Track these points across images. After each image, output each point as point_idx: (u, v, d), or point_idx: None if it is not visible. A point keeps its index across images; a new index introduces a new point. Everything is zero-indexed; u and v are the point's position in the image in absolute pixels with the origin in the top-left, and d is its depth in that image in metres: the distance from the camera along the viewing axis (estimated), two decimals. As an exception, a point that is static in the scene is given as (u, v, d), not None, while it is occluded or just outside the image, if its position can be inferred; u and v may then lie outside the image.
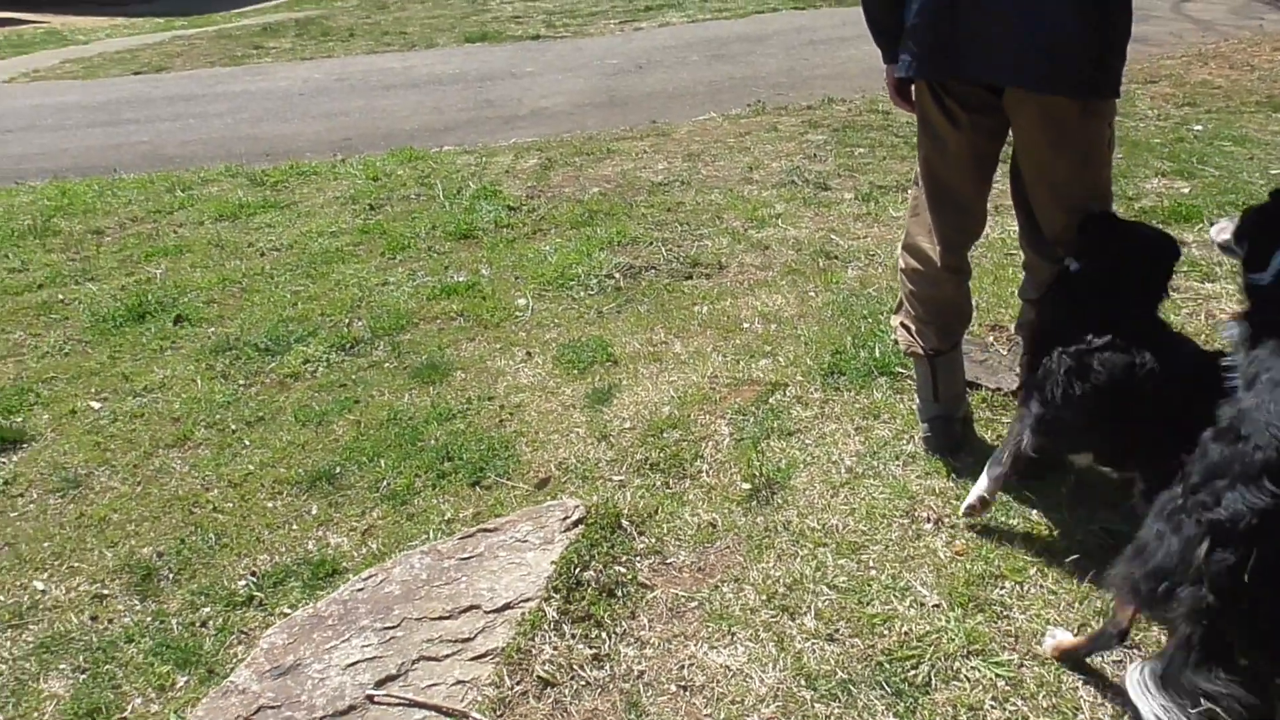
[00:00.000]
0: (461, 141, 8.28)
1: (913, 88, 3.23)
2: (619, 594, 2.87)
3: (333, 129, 8.99)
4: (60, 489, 3.84)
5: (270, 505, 3.67)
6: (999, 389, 3.82)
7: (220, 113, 9.75)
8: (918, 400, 3.57)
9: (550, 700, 2.52)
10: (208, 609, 3.19)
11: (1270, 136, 7.00)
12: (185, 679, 2.93)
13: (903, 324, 3.48)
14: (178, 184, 7.29)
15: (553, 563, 2.86)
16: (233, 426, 4.17)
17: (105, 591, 3.32)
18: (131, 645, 3.07)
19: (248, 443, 4.05)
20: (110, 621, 3.19)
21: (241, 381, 4.51)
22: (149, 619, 3.17)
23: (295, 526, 3.54)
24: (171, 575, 3.36)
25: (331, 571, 3.28)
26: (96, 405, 4.40)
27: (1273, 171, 6.16)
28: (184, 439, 4.11)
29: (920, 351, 3.41)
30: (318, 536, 3.48)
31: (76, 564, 3.45)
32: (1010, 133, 3.15)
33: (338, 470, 3.80)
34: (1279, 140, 6.91)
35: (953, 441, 3.47)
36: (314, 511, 3.61)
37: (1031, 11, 2.81)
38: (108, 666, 2.99)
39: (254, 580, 3.29)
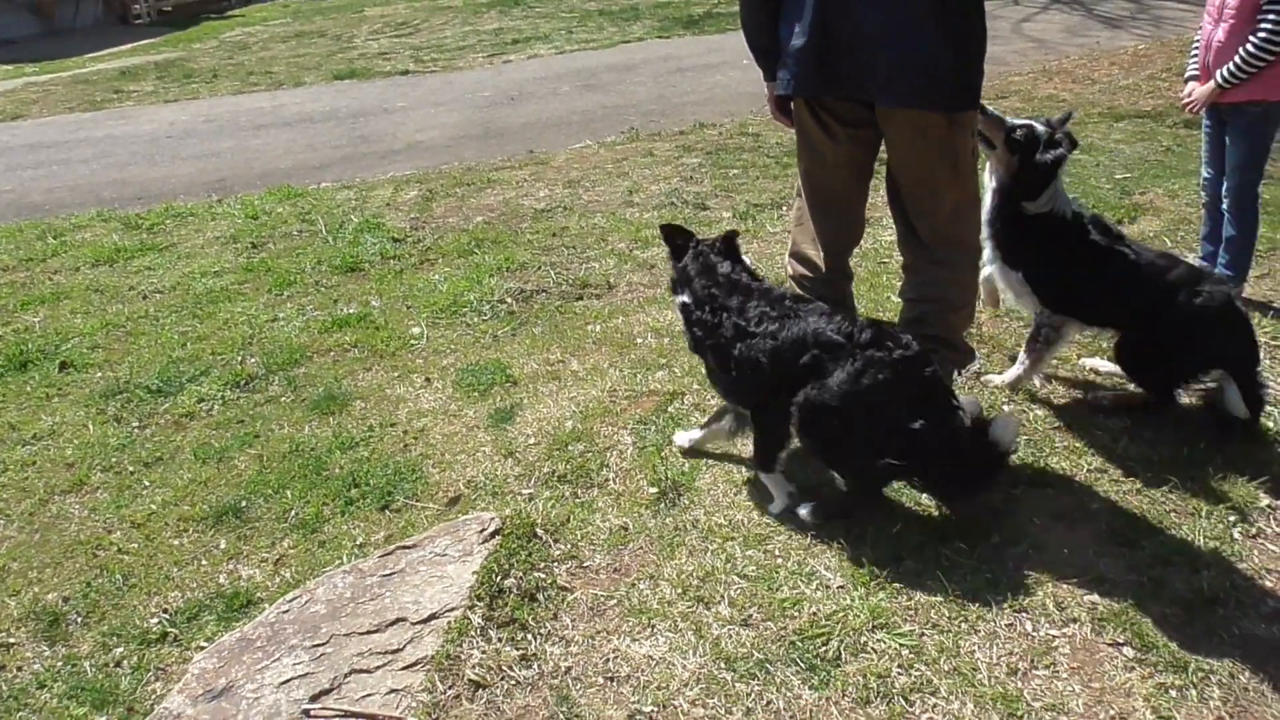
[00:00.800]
0: (339, 178, 8.26)
1: (791, 104, 3.44)
2: (540, 598, 2.97)
3: (205, 170, 8.86)
4: (-47, 542, 3.75)
5: (177, 543, 3.65)
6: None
7: (85, 158, 9.52)
8: None
9: (483, 701, 2.60)
10: (120, 649, 3.17)
11: (1113, 144, 7.50)
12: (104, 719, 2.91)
13: None
14: (48, 231, 7.11)
15: (474, 573, 2.94)
16: (130, 468, 4.13)
17: (11, 640, 3.26)
18: (44, 691, 3.03)
19: (147, 483, 4.01)
20: (19, 669, 3.14)
21: (135, 424, 4.45)
22: (60, 664, 3.13)
23: (205, 561, 3.54)
24: (80, 619, 3.32)
25: (246, 602, 3.29)
26: (-16, 456, 4.30)
27: (1118, 176, 6.61)
28: (80, 484, 4.05)
29: None
30: (229, 570, 3.48)
31: (-22, 615, 3.38)
32: (884, 145, 3.37)
33: (243, 504, 3.80)
34: (1121, 148, 7.41)
35: None
36: (223, 546, 3.61)
37: (899, 32, 3.04)
38: (21, 714, 2.95)
39: (167, 617, 3.27)
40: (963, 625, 2.82)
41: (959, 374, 3.83)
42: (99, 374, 4.92)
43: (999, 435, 3.05)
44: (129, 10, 22.09)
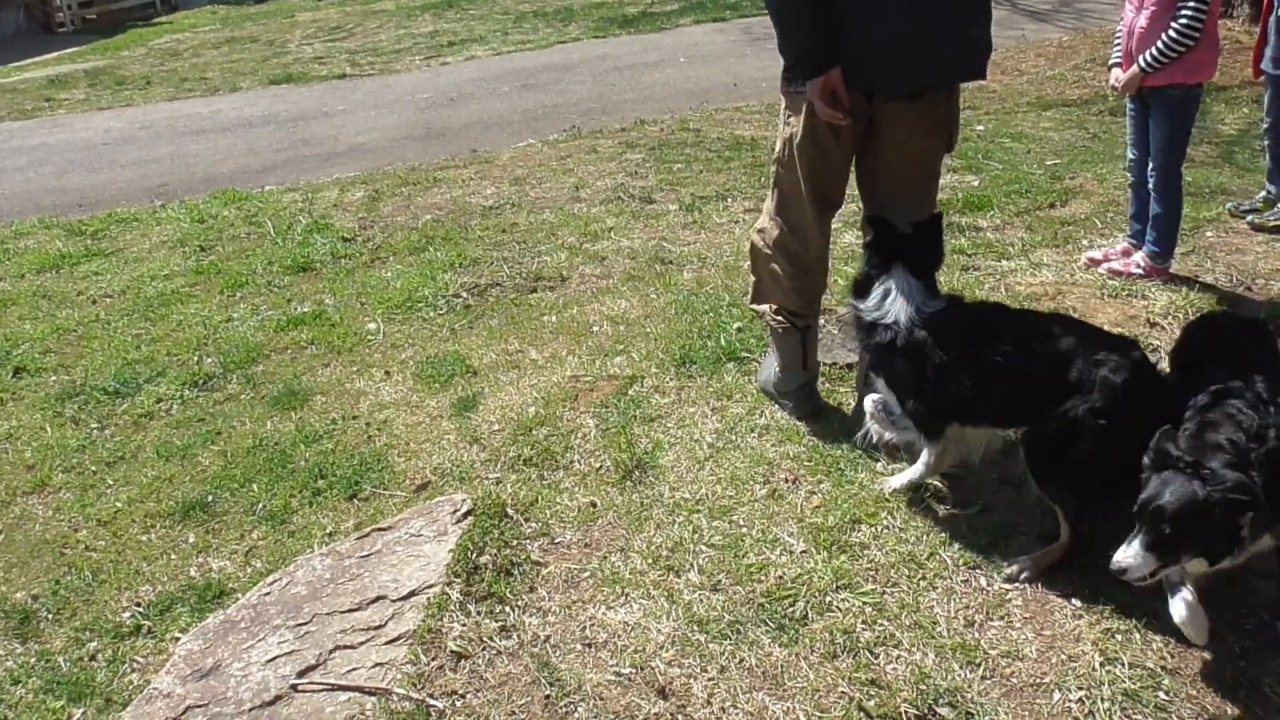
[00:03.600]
0: (282, 181, 8.25)
1: (804, 105, 3.48)
2: (515, 573, 3.06)
3: (145, 176, 8.80)
4: (-83, 546, 3.74)
5: (145, 539, 3.68)
6: (834, 364, 4.19)
7: (20, 166, 9.39)
8: (780, 375, 3.84)
9: (466, 670, 2.69)
10: (94, 643, 3.20)
11: (1042, 132, 7.75)
12: (81, 712, 2.94)
13: (775, 309, 3.76)
14: (-12, 239, 7.04)
15: (450, 551, 3.02)
16: (92, 468, 4.14)
17: (-19, 639, 3.28)
18: (19, 687, 3.06)
19: (111, 482, 4.03)
20: (-8, 667, 3.16)
21: (94, 425, 4.46)
22: (33, 660, 3.16)
23: (174, 556, 3.57)
24: (50, 616, 3.35)
25: (219, 593, 3.33)
26: (-59, 462, 4.27)
27: (1048, 162, 6.84)
28: (42, 485, 4.06)
29: (795, 328, 3.72)
30: (199, 563, 3.52)
31: (-54, 618, 3.38)
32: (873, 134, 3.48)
33: (210, 499, 3.84)
34: (1050, 135, 7.66)
35: (817, 406, 3.81)
36: (191, 540, 3.64)
37: (952, 14, 3.21)
38: (-3, 711, 2.98)
39: (139, 610, 3.31)
40: (921, 583, 2.96)
41: None
42: (53, 377, 4.91)
43: None
44: (52, 18, 21.65)
